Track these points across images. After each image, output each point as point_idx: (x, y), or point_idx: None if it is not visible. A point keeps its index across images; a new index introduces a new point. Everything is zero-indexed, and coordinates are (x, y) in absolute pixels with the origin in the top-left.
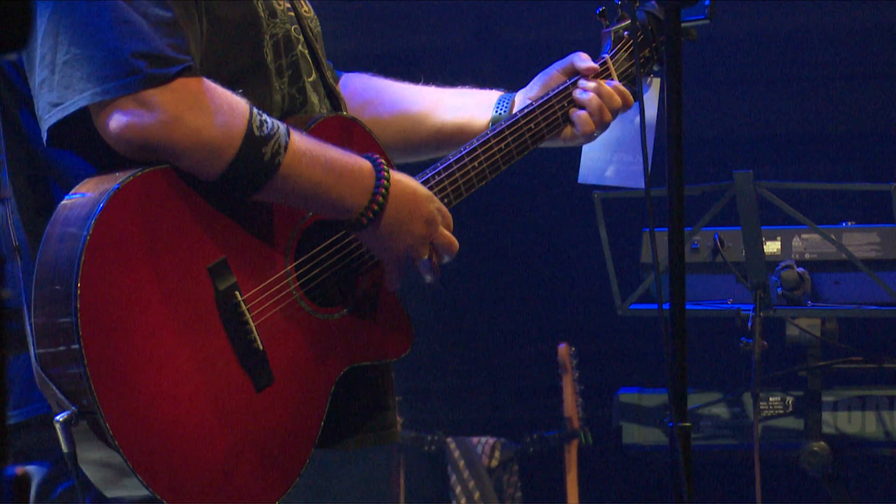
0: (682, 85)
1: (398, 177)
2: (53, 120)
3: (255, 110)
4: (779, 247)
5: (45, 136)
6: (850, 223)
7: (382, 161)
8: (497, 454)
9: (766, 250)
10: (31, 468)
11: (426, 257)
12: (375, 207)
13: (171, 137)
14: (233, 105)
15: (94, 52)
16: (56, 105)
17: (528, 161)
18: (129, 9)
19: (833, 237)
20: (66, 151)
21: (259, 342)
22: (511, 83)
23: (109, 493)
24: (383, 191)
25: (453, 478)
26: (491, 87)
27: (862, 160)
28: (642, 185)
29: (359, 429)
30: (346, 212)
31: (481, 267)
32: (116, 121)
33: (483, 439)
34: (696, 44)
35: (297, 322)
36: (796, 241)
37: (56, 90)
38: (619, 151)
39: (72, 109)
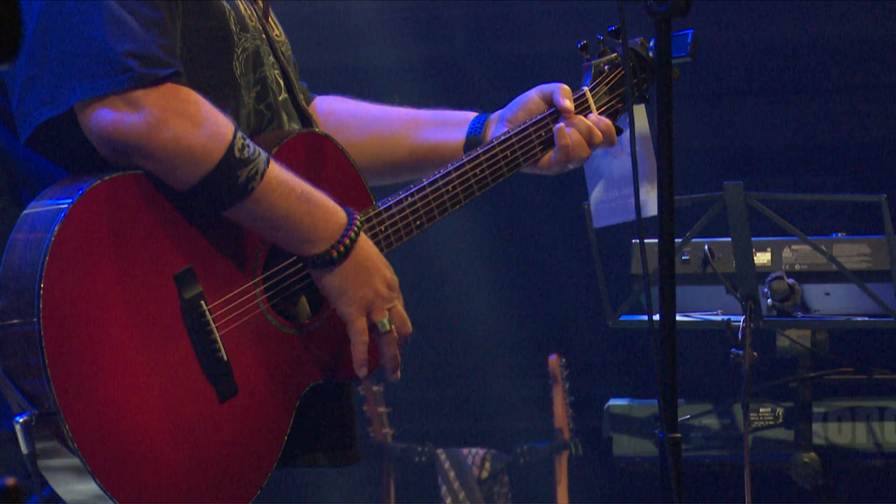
0: (671, 96)
1: (367, 241)
2: (44, 117)
3: (240, 133)
4: (769, 258)
5: (28, 132)
6: (840, 234)
7: (356, 216)
8: (487, 465)
9: (756, 261)
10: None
11: (384, 319)
12: (342, 249)
13: (153, 140)
14: (219, 122)
15: (85, 50)
16: (47, 102)
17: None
18: (119, 8)
19: (823, 248)
20: (40, 158)
21: (223, 352)
22: (501, 94)
23: (69, 498)
24: (352, 234)
25: (443, 489)
26: (481, 97)
27: (852, 171)
28: (632, 217)
29: (314, 447)
30: (311, 246)
31: (471, 278)
32: (102, 118)
33: (473, 450)
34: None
35: (263, 335)
36: (786, 252)
37: (48, 88)
38: (619, 188)
39: (63, 108)
